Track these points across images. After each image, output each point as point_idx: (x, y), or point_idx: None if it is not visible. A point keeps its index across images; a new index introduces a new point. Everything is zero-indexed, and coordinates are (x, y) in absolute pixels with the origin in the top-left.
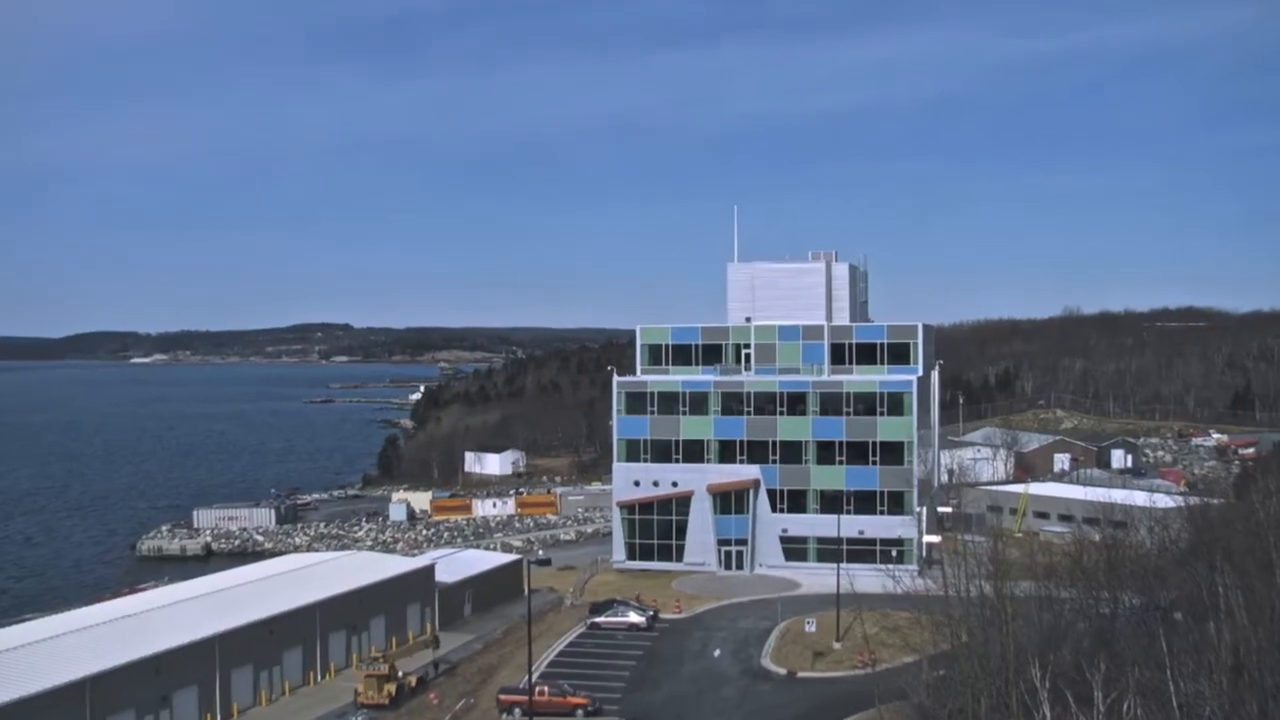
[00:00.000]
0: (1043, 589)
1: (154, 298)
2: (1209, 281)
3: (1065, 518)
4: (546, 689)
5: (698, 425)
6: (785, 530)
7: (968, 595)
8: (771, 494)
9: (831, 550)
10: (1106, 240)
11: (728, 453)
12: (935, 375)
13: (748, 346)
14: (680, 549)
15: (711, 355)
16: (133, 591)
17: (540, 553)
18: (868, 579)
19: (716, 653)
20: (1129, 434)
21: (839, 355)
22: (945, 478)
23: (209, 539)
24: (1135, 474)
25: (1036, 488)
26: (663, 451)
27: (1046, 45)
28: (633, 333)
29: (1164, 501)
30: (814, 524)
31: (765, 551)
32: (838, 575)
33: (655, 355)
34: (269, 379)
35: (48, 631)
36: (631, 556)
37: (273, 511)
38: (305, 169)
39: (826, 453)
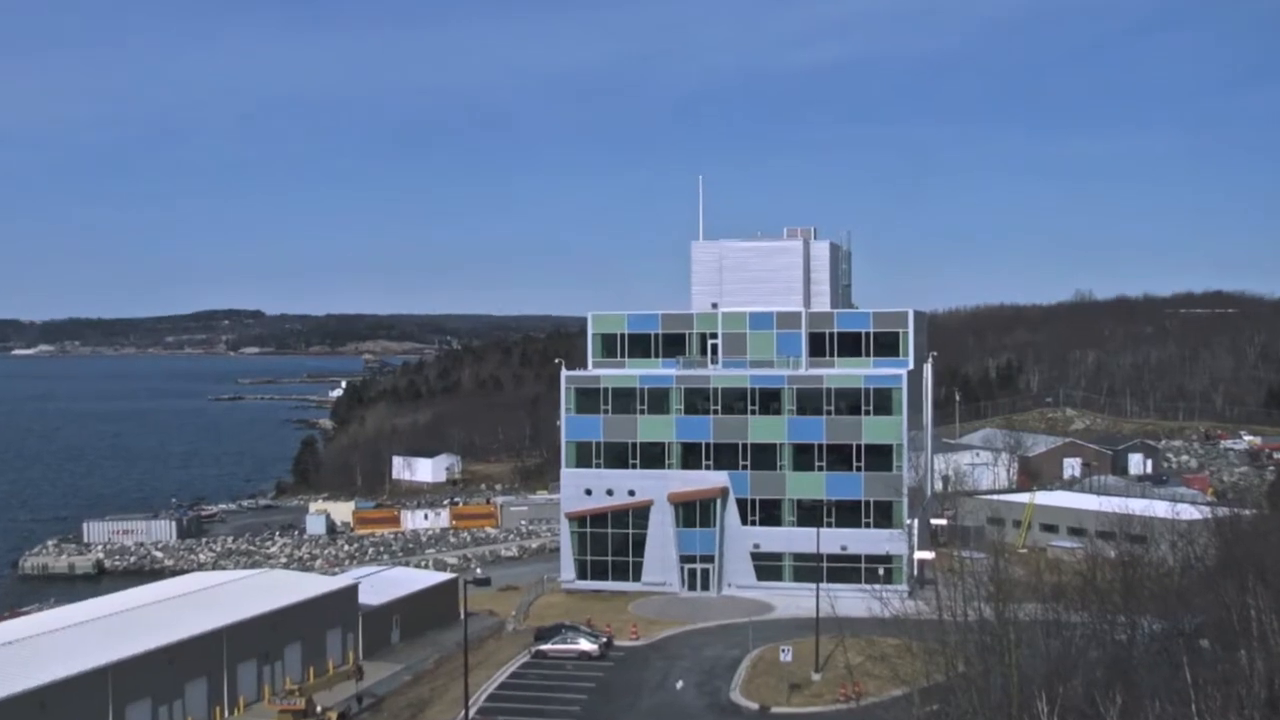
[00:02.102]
0: (1050, 612)
1: (38, 282)
2: (1239, 263)
3: (1076, 531)
4: None
5: (657, 426)
6: (757, 545)
7: (965, 619)
8: (741, 504)
9: (810, 568)
10: (1123, 215)
11: (692, 457)
12: (928, 369)
13: (714, 336)
14: (638, 567)
15: (673, 346)
16: (14, 615)
17: (478, 571)
18: (851, 601)
19: (679, 685)
20: (1148, 436)
21: (818, 346)
22: (939, 486)
23: (101, 555)
24: (1156, 481)
25: (1043, 497)
26: (618, 456)
27: None
28: (583, 320)
29: (1188, 513)
30: (790, 538)
31: (734, 570)
32: (817, 597)
33: (609, 346)
34: (170, 373)
35: None
36: (582, 575)
37: (174, 524)
38: (210, 135)
39: (804, 457)
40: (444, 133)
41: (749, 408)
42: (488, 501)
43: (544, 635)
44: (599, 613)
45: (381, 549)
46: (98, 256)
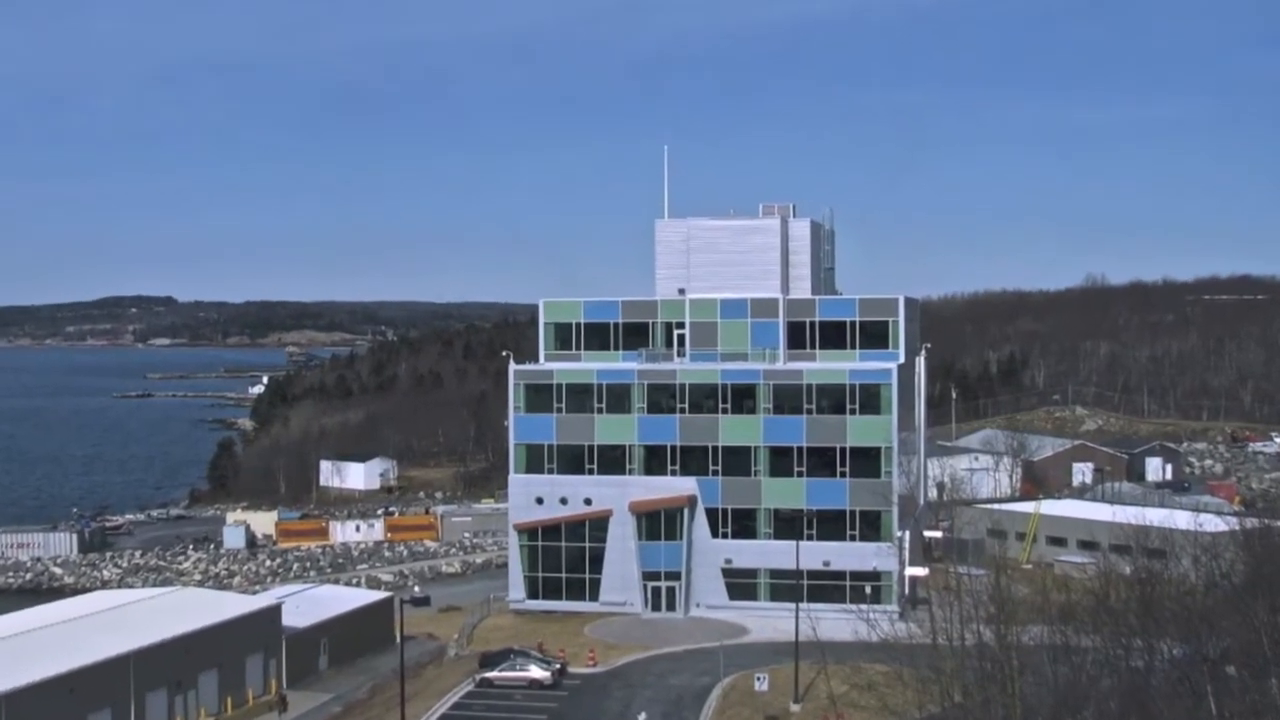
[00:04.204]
0: (1058, 636)
1: None
2: (1270, 244)
3: (1087, 544)
4: None
5: (617, 426)
6: (729, 561)
7: (962, 644)
8: (711, 514)
9: (788, 586)
10: (1139, 191)
11: (656, 461)
12: (921, 362)
13: (681, 326)
14: (595, 585)
15: (635, 337)
16: None
17: (417, 589)
18: (835, 623)
19: (642, 717)
20: (1168, 438)
21: (798, 337)
22: (934, 493)
23: None
24: (1176, 489)
25: (1050, 506)
26: (573, 460)
27: None
28: (534, 308)
29: (1213, 524)
30: (766, 553)
31: (704, 588)
32: (796, 618)
33: (563, 337)
34: (70, 367)
35: None
36: (533, 594)
37: (75, 537)
38: (114, 101)
39: (782, 461)
40: (375, 98)
41: (720, 406)
42: (427, 511)
43: (490, 661)
44: (552, 636)
45: (308, 564)
46: None
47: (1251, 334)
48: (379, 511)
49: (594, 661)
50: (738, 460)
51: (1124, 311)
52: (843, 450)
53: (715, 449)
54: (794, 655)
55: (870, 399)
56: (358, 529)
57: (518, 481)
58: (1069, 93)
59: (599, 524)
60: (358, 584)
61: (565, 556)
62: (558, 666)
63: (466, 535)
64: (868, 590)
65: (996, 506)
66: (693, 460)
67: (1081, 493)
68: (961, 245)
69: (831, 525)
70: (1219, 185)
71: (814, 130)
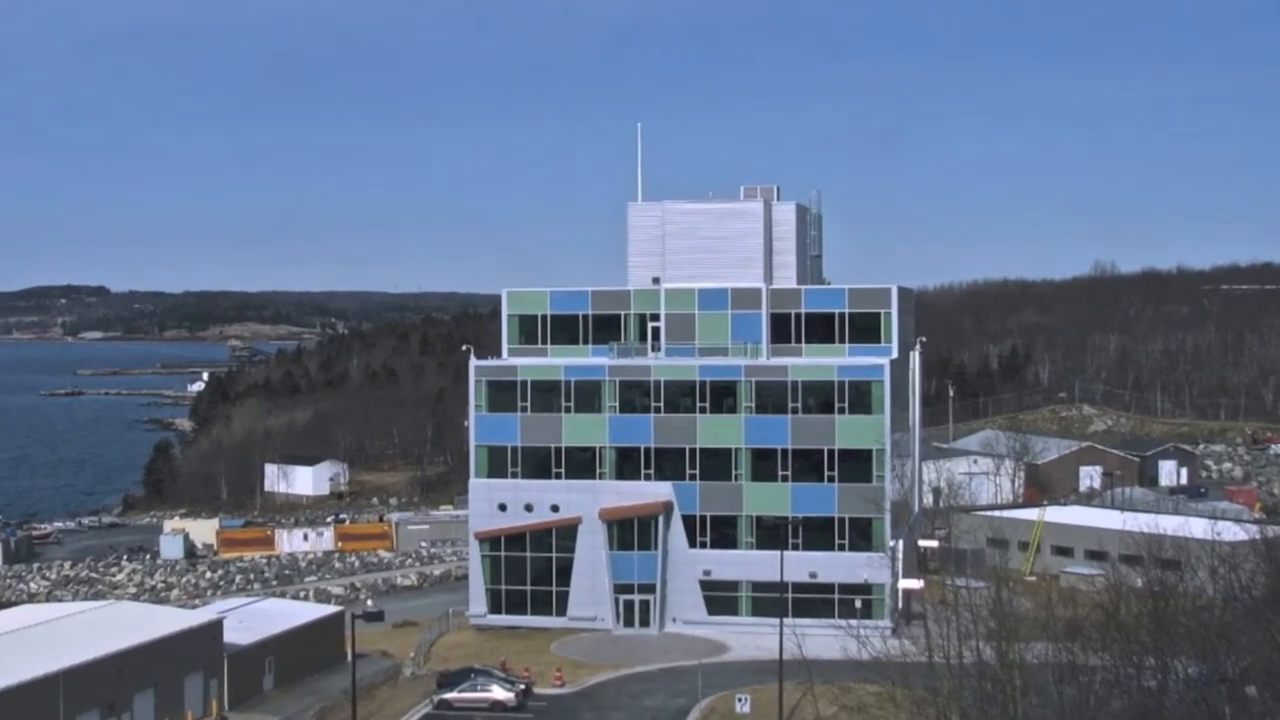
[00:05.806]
0: (1064, 653)
1: None
2: None
3: (1095, 554)
4: None
5: (587, 427)
6: (708, 572)
7: (960, 662)
8: (689, 522)
9: (772, 600)
10: (1152, 172)
11: (628, 465)
12: (916, 358)
13: (656, 318)
14: (562, 598)
15: (606, 330)
16: None
17: (370, 603)
18: (822, 639)
19: None
20: (1183, 439)
21: (782, 330)
22: (930, 499)
23: None
24: (1192, 494)
25: (1055, 513)
26: (539, 463)
27: None
28: (497, 299)
29: (1232, 532)
30: (748, 564)
31: (680, 602)
32: (780, 634)
33: (528, 330)
34: None
35: None
36: (495, 608)
37: None
38: (39, 73)
39: (765, 465)
40: (323, 70)
41: (698, 405)
42: (380, 519)
43: (449, 681)
44: (516, 654)
45: (252, 576)
46: None
47: (1273, 327)
48: (328, 519)
49: (561, 681)
50: (717, 463)
51: (1135, 302)
52: (831, 453)
53: (693, 451)
54: (778, 674)
55: (860, 397)
56: (305, 538)
57: (479, 486)
58: (1077, 64)
59: (567, 532)
60: (306, 597)
61: (530, 568)
62: (522, 687)
63: (423, 545)
64: (858, 604)
65: (997, 513)
66: (668, 463)
67: (1089, 498)
68: (959, 231)
69: (818, 534)
70: (1239, 166)
71: (799, 106)
